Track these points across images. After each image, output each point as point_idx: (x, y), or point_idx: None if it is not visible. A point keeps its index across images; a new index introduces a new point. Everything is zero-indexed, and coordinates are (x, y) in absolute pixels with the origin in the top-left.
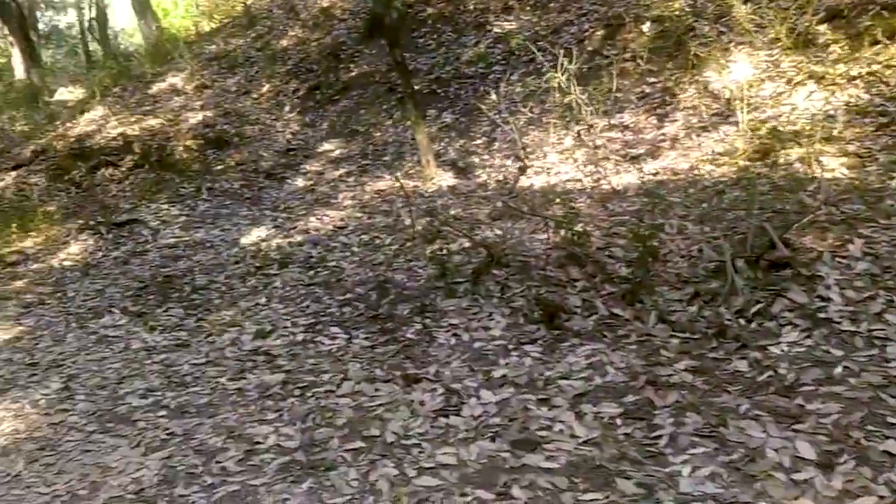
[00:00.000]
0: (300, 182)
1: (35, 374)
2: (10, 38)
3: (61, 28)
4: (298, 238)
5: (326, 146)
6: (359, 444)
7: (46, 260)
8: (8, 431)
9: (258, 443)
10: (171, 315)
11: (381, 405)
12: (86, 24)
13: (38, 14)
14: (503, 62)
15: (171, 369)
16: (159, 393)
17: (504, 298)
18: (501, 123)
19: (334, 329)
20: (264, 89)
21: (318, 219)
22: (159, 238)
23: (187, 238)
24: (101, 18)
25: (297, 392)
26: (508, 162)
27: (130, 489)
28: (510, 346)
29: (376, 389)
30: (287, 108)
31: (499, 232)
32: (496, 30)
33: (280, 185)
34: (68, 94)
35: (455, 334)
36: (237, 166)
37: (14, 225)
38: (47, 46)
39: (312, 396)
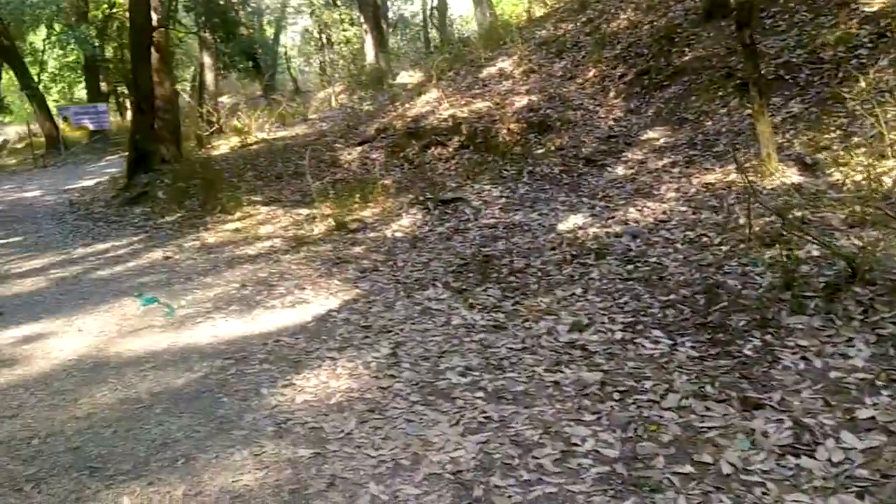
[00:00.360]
0: (620, 170)
1: (368, 337)
2: (365, 26)
3: (407, 16)
4: (617, 228)
5: (651, 134)
6: (688, 468)
7: (381, 230)
8: (343, 389)
9: (575, 444)
10: (489, 295)
11: (713, 428)
12: (428, 13)
13: (389, 4)
14: (870, 45)
15: (488, 350)
16: (477, 373)
17: (868, 323)
18: (865, 115)
19: (656, 332)
20: (590, 74)
21: (638, 210)
22: (480, 217)
23: (506, 220)
24: (442, 7)
25: (616, 396)
26: (870, 160)
27: (448, 469)
28: (878, 383)
29: (707, 408)
30: (612, 94)
31: (858, 242)
32: (864, 8)
33: (600, 172)
34: (408, 77)
35: (804, 357)
36: (557, 151)
37: (357, 196)
38: (395, 34)
39: (633, 404)
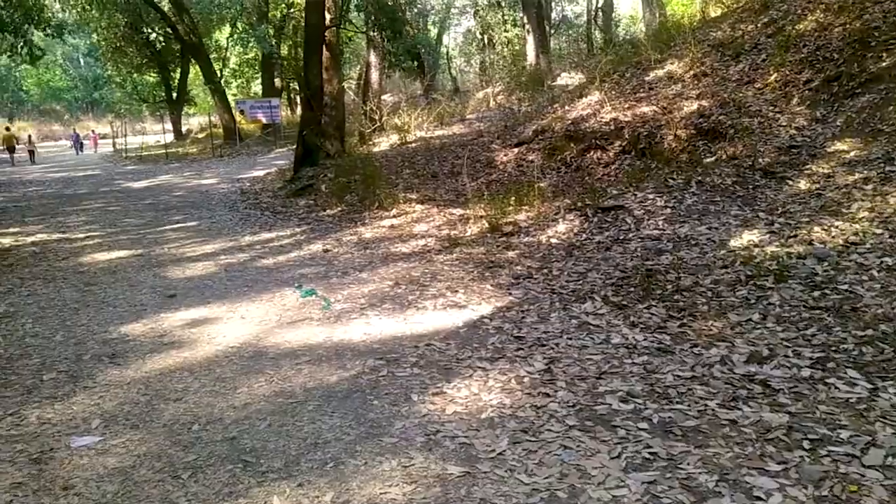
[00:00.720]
0: (803, 184)
1: (521, 349)
2: (527, 27)
3: (570, 17)
4: (799, 249)
5: (839, 145)
6: None
7: (536, 234)
8: (495, 403)
9: (759, 498)
10: (652, 313)
11: None
12: (592, 14)
13: (552, 5)
14: None
15: (653, 376)
16: (640, 401)
17: None
18: None
19: (852, 372)
20: (770, 79)
21: (824, 229)
22: (642, 228)
23: (671, 232)
24: (608, 7)
25: (805, 444)
26: None
27: None
28: None
29: None
30: (795, 100)
31: None
32: None
33: (779, 186)
34: (569, 79)
35: None
36: (730, 160)
37: (512, 198)
38: (556, 35)
39: (827, 456)
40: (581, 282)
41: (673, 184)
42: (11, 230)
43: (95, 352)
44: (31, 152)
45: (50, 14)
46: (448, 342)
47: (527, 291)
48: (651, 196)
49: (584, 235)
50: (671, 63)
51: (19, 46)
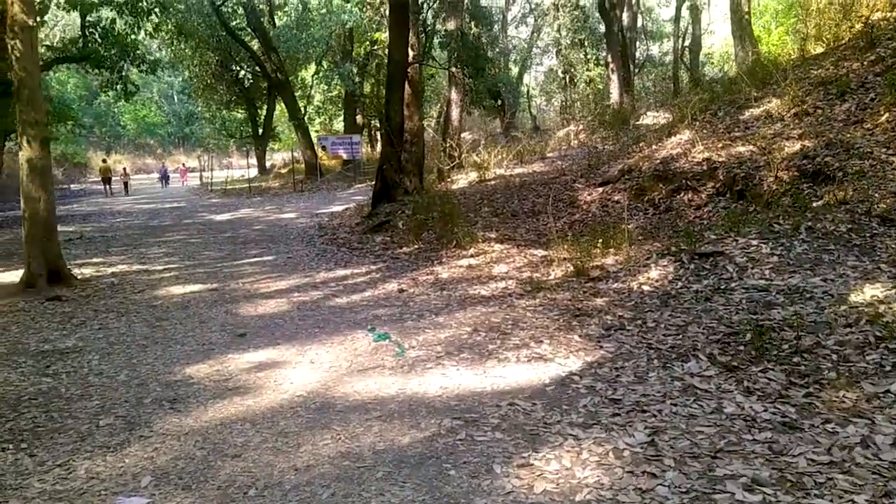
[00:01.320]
0: None
1: (618, 415)
2: (611, 66)
3: (654, 56)
4: None
5: None
6: None
7: (626, 280)
8: (592, 482)
9: None
10: (769, 378)
11: None
12: (679, 52)
13: (637, 43)
14: None
15: (781, 458)
16: (769, 491)
17: None
18: None
19: None
20: (881, 119)
21: None
22: (745, 277)
23: (780, 283)
24: (695, 46)
25: None
26: None
27: None
28: None
29: None
30: None
31: None
32: None
33: None
34: (654, 118)
35: None
36: (841, 205)
37: (598, 240)
38: (641, 74)
39: None
40: (681, 336)
41: (779, 229)
42: (95, 260)
43: (157, 395)
44: (125, 184)
45: (146, 51)
46: (533, 402)
47: (620, 345)
48: (754, 242)
49: (680, 283)
50: (769, 101)
51: (115, 82)
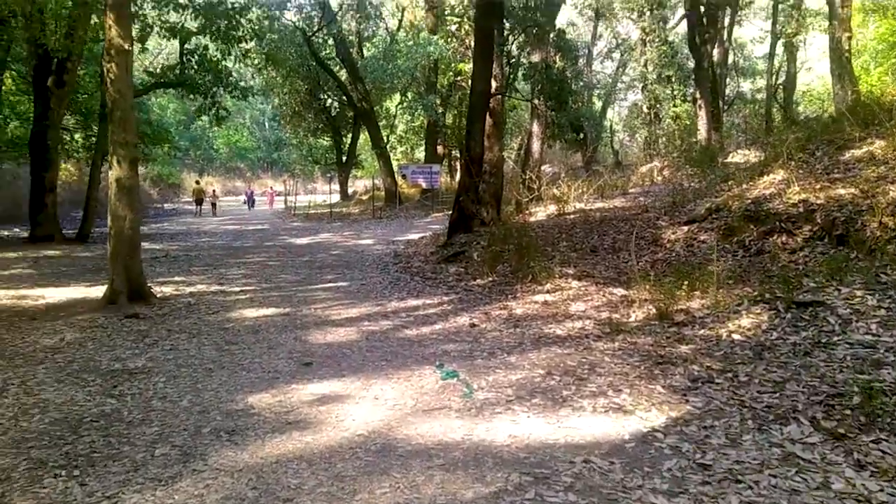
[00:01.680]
0: None
1: (708, 484)
2: (700, 102)
3: (745, 93)
4: None
5: None
6: None
7: (714, 327)
8: None
9: None
10: (883, 451)
11: None
12: (772, 89)
13: (727, 80)
14: None
15: None
16: None
17: None
18: None
19: None
20: None
21: None
22: (850, 331)
23: (889, 339)
24: (790, 83)
25: None
26: None
27: None
28: None
29: None
30: None
31: None
32: None
33: None
34: (743, 156)
35: None
36: None
37: (684, 282)
38: (730, 111)
39: None
40: (778, 395)
41: (886, 280)
42: (176, 278)
43: (216, 425)
44: (214, 205)
45: (238, 78)
46: (611, 460)
47: (708, 400)
48: (859, 293)
49: (776, 334)
50: (872, 143)
51: (208, 107)
